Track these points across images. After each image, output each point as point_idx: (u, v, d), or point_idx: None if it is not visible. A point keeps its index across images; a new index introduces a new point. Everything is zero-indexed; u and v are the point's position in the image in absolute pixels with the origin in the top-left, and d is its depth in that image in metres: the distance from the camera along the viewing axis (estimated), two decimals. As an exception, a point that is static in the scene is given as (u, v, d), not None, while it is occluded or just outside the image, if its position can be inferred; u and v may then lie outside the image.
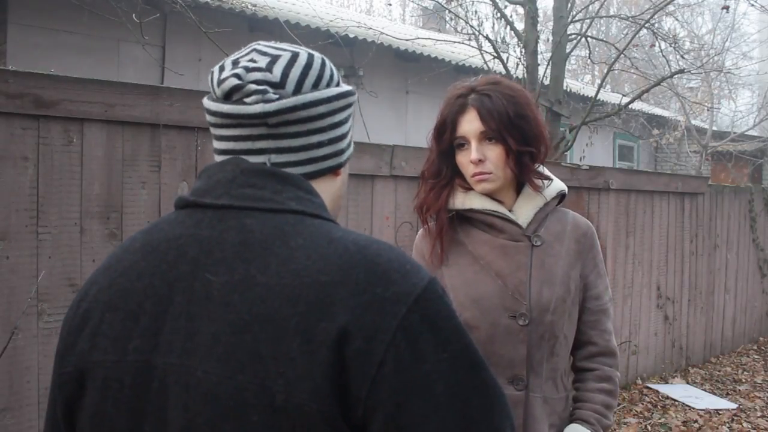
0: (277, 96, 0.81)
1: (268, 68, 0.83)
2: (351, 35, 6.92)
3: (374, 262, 0.75)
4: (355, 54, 7.24)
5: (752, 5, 7.02)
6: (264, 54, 0.85)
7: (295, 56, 0.85)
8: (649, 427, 4.59)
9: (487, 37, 6.28)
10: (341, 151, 0.89)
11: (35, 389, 2.29)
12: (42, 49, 5.50)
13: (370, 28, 6.79)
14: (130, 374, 0.77)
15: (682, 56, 7.37)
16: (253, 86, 0.81)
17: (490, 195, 1.54)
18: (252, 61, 0.84)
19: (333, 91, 0.86)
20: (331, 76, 0.88)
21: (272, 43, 0.88)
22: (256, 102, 0.80)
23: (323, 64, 0.88)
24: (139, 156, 2.53)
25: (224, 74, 0.83)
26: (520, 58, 6.02)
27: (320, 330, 0.70)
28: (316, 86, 0.85)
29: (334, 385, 0.69)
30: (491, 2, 6.15)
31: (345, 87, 0.89)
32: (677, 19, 9.02)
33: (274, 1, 7.90)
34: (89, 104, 2.38)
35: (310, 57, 0.87)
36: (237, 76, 0.81)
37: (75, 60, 5.55)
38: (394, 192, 3.56)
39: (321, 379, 0.69)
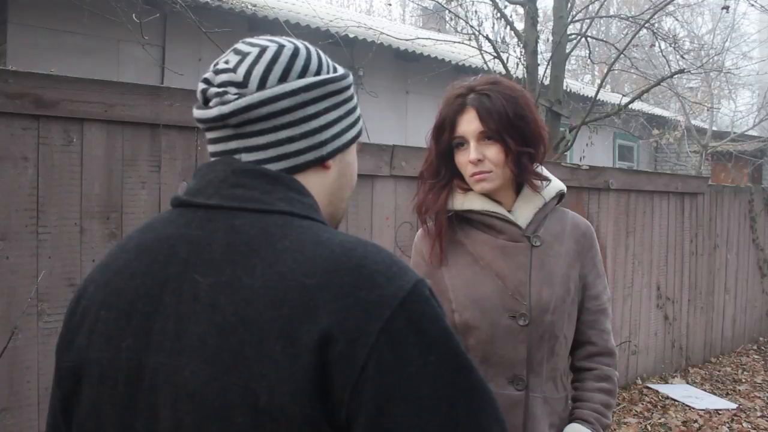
0: (236, 96, 0.81)
1: (234, 68, 0.83)
2: (351, 35, 6.92)
3: (360, 265, 0.74)
4: (355, 54, 7.24)
5: (752, 5, 7.02)
6: (238, 53, 0.85)
7: (262, 51, 0.84)
8: (649, 427, 4.59)
9: (487, 37, 6.28)
10: (321, 144, 0.85)
11: (35, 389, 2.29)
12: (42, 49, 5.50)
13: (370, 28, 6.79)
14: (123, 372, 0.78)
15: (682, 56, 7.37)
16: (214, 89, 0.82)
17: (489, 196, 1.54)
18: (226, 62, 0.84)
19: (299, 82, 0.83)
20: (306, 66, 0.85)
21: (254, 39, 0.87)
22: (215, 105, 0.81)
23: (294, 55, 0.84)
24: (139, 156, 2.53)
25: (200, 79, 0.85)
26: (520, 58, 6.02)
27: (303, 333, 0.70)
28: (283, 79, 0.83)
29: (317, 387, 0.69)
30: (491, 2, 6.14)
31: (322, 76, 0.86)
32: (677, 19, 9.02)
33: (274, 1, 7.90)
34: (89, 104, 2.38)
35: (279, 49, 0.84)
36: (205, 80, 0.84)
37: (75, 60, 5.55)
38: (394, 192, 3.56)
39: (303, 382, 0.69)
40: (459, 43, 6.89)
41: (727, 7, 7.57)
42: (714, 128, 12.25)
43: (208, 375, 0.72)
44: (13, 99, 2.22)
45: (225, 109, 0.81)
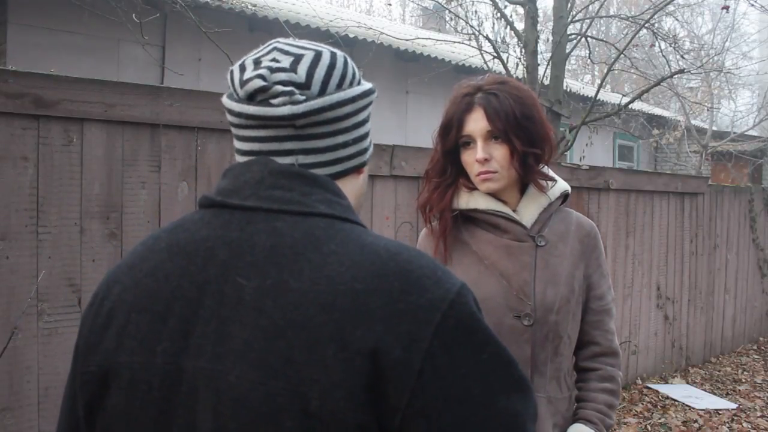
0: (303, 97, 0.80)
1: (293, 68, 0.81)
2: (351, 35, 6.92)
3: (407, 269, 0.75)
4: (355, 54, 7.23)
5: (752, 5, 7.01)
6: (286, 53, 0.83)
7: (318, 55, 0.84)
8: (649, 427, 4.59)
9: (487, 37, 6.27)
10: (365, 150, 0.89)
11: (35, 389, 2.28)
12: (42, 49, 5.49)
13: (370, 28, 6.79)
14: (158, 376, 0.76)
15: (682, 56, 7.36)
16: (280, 87, 0.79)
17: (495, 195, 1.54)
18: (275, 60, 0.82)
19: (357, 90, 0.85)
20: (354, 74, 0.87)
21: (293, 41, 0.87)
22: (284, 104, 0.79)
23: (346, 62, 0.86)
24: (139, 156, 2.53)
25: (247, 74, 0.81)
26: (520, 58, 6.02)
27: (356, 338, 0.70)
28: (340, 86, 0.84)
29: (370, 393, 0.69)
30: (491, 2, 6.14)
31: (367, 85, 0.89)
32: (677, 19, 8.99)
33: (274, 1, 7.90)
34: (89, 104, 2.38)
35: (333, 56, 0.85)
36: (261, 77, 0.80)
37: (75, 60, 5.55)
38: (394, 192, 3.55)
39: (357, 387, 0.69)
40: (459, 43, 6.88)
41: (727, 7, 7.57)
42: (714, 128, 12.24)
43: (254, 379, 0.71)
44: (13, 99, 2.21)
45: (297, 109, 0.79)
